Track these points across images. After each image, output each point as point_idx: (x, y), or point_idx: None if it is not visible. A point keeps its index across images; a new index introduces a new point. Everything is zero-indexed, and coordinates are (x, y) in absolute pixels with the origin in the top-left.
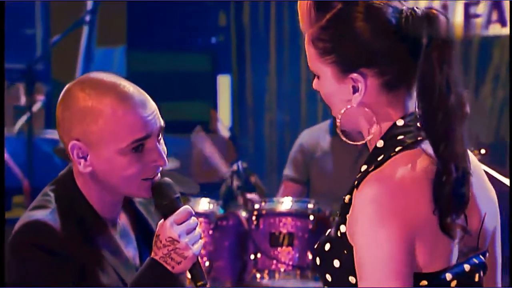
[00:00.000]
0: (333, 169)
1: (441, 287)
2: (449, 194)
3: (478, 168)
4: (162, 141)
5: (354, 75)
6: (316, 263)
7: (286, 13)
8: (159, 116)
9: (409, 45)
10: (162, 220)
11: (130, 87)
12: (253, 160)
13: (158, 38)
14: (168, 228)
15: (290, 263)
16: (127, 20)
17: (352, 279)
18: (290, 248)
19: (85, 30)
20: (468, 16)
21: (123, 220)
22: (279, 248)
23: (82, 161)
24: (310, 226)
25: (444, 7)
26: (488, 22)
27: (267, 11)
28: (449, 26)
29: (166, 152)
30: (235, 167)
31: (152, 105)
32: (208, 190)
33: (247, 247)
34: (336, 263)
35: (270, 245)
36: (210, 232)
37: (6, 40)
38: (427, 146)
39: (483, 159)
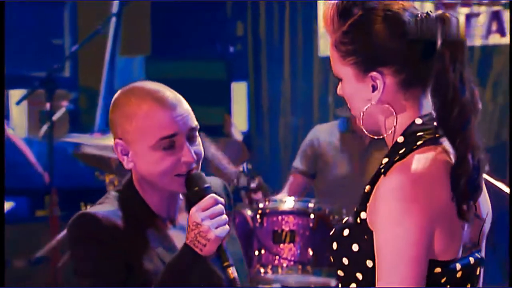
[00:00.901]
0: (338, 164)
1: (449, 275)
2: (465, 183)
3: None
4: (199, 141)
5: (373, 73)
6: (332, 248)
7: (299, 23)
8: (192, 118)
9: (424, 46)
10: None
11: (166, 92)
12: (268, 161)
13: (178, 47)
14: (193, 213)
15: (292, 258)
16: (151, 30)
17: (369, 262)
18: (291, 245)
19: (110, 39)
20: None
21: (186, 216)
22: (281, 245)
23: (125, 157)
24: (311, 224)
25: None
26: (488, 32)
27: (282, 21)
28: (460, 27)
29: (202, 153)
30: (241, 168)
31: (184, 108)
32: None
33: (252, 243)
34: (355, 247)
35: (273, 242)
36: None
37: (35, 49)
38: (444, 142)
39: None
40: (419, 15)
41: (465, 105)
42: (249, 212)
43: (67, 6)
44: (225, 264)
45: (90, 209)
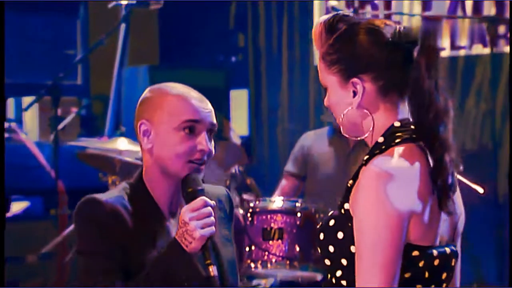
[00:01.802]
0: (326, 166)
1: (427, 261)
2: (444, 181)
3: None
4: (212, 137)
5: (354, 79)
6: (319, 238)
7: (297, 35)
8: (214, 116)
9: (401, 55)
10: None
11: (192, 91)
12: (267, 164)
13: (184, 57)
14: (183, 212)
15: (280, 254)
16: (159, 41)
17: (353, 248)
18: (280, 242)
19: (119, 50)
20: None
21: None
22: (270, 242)
23: (145, 138)
24: (298, 222)
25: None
26: (472, 42)
27: (280, 33)
28: (435, 39)
29: (213, 153)
30: (233, 170)
31: (208, 105)
32: None
33: (243, 240)
34: (340, 235)
35: (262, 238)
36: None
37: (49, 58)
38: (420, 144)
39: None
40: (398, 28)
41: (439, 110)
42: (240, 211)
43: (80, 18)
44: (207, 262)
45: (97, 195)
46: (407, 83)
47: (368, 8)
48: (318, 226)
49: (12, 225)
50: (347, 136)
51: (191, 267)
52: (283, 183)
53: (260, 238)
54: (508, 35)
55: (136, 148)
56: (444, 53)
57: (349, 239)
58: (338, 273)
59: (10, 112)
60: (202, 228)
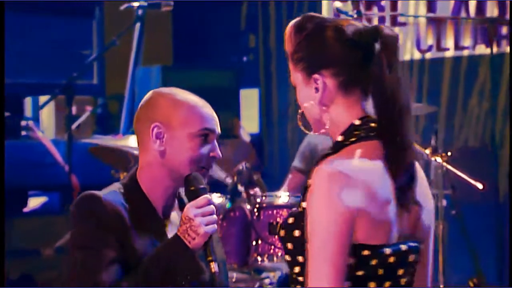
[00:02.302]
0: None
1: (380, 259)
2: (403, 175)
3: (419, 169)
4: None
5: (315, 75)
6: (280, 235)
7: None
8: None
9: (362, 53)
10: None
11: (199, 99)
12: (278, 162)
13: (196, 57)
14: (188, 209)
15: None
16: (172, 41)
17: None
18: None
19: (133, 51)
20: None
21: (176, 216)
22: (276, 236)
23: (158, 141)
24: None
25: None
26: (475, 43)
27: None
28: (395, 38)
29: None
30: (240, 167)
31: (215, 113)
32: (218, 186)
33: (250, 234)
34: (297, 233)
35: (269, 233)
36: (220, 222)
37: (65, 58)
38: (379, 139)
39: (449, 160)
40: (361, 27)
41: (401, 105)
42: (247, 206)
43: (96, 19)
44: (209, 258)
45: (95, 191)
46: (369, 80)
47: (375, 9)
48: (281, 223)
49: (29, 219)
50: (316, 133)
51: (193, 263)
52: (290, 178)
53: (266, 233)
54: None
55: None
56: (448, 53)
57: (306, 237)
58: (296, 269)
59: (28, 110)
60: (207, 225)
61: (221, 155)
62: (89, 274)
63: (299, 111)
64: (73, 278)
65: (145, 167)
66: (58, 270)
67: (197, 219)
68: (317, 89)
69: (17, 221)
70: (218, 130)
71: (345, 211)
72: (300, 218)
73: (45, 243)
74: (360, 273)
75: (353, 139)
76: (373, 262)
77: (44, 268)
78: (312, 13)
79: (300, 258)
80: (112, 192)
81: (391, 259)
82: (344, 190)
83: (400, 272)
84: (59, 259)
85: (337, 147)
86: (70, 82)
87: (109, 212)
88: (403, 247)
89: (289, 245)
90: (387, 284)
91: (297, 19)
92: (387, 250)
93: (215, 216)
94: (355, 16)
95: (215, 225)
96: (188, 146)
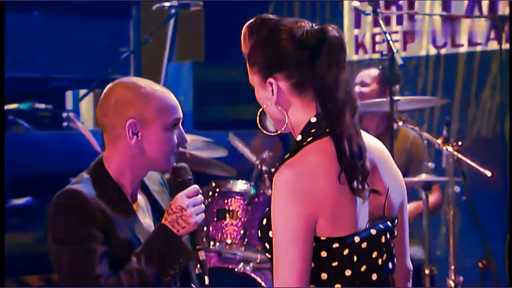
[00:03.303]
0: None
1: (352, 248)
2: (350, 165)
3: (385, 153)
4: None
5: (270, 79)
6: (258, 235)
7: None
8: None
9: (309, 53)
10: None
11: (156, 84)
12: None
13: (226, 54)
14: (179, 199)
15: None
16: (204, 39)
17: None
18: None
19: (167, 48)
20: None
21: (142, 199)
22: None
23: (134, 137)
24: None
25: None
26: (487, 39)
27: None
28: (340, 39)
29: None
30: (263, 155)
31: (176, 100)
32: (243, 174)
33: None
34: (271, 234)
35: None
36: (245, 207)
37: (106, 56)
38: (328, 136)
39: (459, 149)
40: (305, 28)
41: (339, 101)
42: (270, 192)
43: (133, 18)
44: (198, 247)
45: (70, 186)
46: (317, 78)
47: (393, 8)
48: (258, 223)
49: None
50: (280, 132)
51: (183, 248)
52: None
53: None
54: None
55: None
56: (462, 49)
57: None
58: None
59: (69, 103)
60: (197, 214)
61: (187, 139)
62: (83, 270)
63: (259, 110)
64: (67, 275)
65: (115, 157)
66: None
67: (190, 209)
68: (272, 92)
69: None
70: (181, 114)
71: (303, 212)
72: (271, 219)
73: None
74: (335, 263)
75: (309, 138)
76: (345, 252)
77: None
78: (266, 15)
79: None
80: (86, 185)
81: (363, 245)
82: (301, 191)
83: (374, 254)
84: None
85: (295, 148)
86: (106, 76)
87: (91, 206)
88: (373, 231)
89: (267, 245)
90: (363, 268)
91: (251, 20)
92: (357, 238)
93: (203, 205)
94: (372, 15)
95: (203, 214)
96: (164, 138)
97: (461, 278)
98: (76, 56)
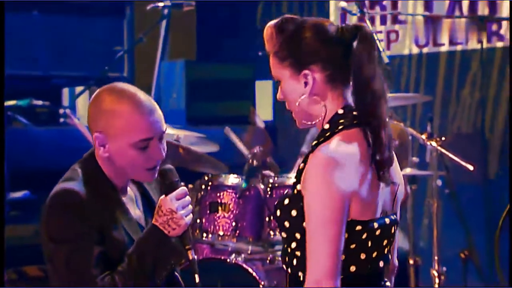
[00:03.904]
0: None
1: (369, 233)
2: (382, 154)
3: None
4: (163, 140)
5: (305, 71)
6: (277, 214)
7: None
8: (163, 123)
9: (344, 48)
10: (164, 196)
11: (143, 97)
12: (290, 148)
13: (217, 53)
14: (169, 201)
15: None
16: (196, 37)
17: (305, 224)
18: None
19: (160, 46)
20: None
21: (131, 190)
22: None
23: (102, 148)
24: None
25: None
26: (467, 39)
27: None
28: (371, 35)
29: (165, 149)
30: (255, 150)
31: (159, 113)
32: (235, 168)
33: (263, 211)
34: (294, 213)
35: None
36: (236, 200)
37: (101, 54)
38: (360, 126)
39: (443, 144)
40: (340, 26)
41: (376, 92)
42: (261, 186)
43: (126, 18)
44: (187, 247)
45: (65, 184)
46: (349, 72)
47: (377, 8)
48: (275, 204)
49: None
50: (299, 127)
51: (174, 249)
52: (299, 161)
53: None
54: (500, 31)
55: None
56: (443, 48)
57: (301, 216)
58: (293, 244)
59: (65, 100)
60: (186, 216)
61: (163, 155)
62: (79, 269)
63: (294, 108)
64: (63, 273)
65: (100, 156)
66: None
67: (180, 211)
68: (306, 83)
69: None
70: (160, 130)
71: (341, 194)
72: (295, 199)
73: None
74: (353, 246)
75: (340, 127)
76: (364, 236)
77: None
78: (291, 15)
79: (298, 235)
80: (78, 181)
81: (378, 232)
82: (339, 174)
83: (384, 242)
84: None
85: (325, 135)
86: (103, 74)
87: (85, 205)
88: (387, 220)
89: (286, 224)
90: (374, 254)
91: (276, 20)
92: (375, 224)
93: (191, 206)
94: (359, 14)
95: (192, 215)
96: (129, 155)
97: (444, 268)
98: (72, 54)
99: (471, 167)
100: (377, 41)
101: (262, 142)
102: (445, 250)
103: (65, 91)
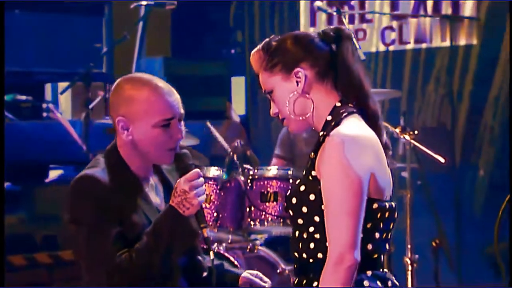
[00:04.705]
0: (310, 149)
1: (382, 212)
2: (383, 137)
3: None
4: (182, 123)
5: (296, 69)
6: (292, 202)
7: (286, 31)
8: (181, 106)
9: (328, 49)
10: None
11: (160, 82)
12: (262, 141)
13: (192, 50)
14: (182, 183)
15: (275, 214)
16: (171, 35)
17: (323, 206)
18: (275, 203)
19: (137, 44)
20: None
21: (153, 179)
22: (267, 203)
23: (125, 132)
24: (290, 187)
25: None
26: (432, 37)
27: (272, 30)
28: (350, 34)
29: (185, 131)
30: (235, 143)
31: (176, 96)
32: (216, 161)
33: (244, 202)
34: (312, 197)
35: (260, 201)
36: (218, 191)
37: (81, 51)
38: (358, 115)
39: (416, 138)
40: (321, 31)
41: (363, 85)
42: (242, 178)
43: (105, 16)
44: (202, 225)
45: (87, 171)
46: (337, 67)
47: (346, 8)
48: (287, 194)
49: (50, 188)
50: (294, 132)
51: (188, 229)
52: (273, 163)
53: (258, 201)
54: (462, 30)
55: None
56: (409, 46)
57: (319, 199)
58: (311, 229)
59: (48, 95)
60: (199, 196)
61: (183, 136)
62: (98, 249)
63: (286, 113)
64: (84, 253)
65: (121, 146)
66: None
67: (192, 191)
68: (297, 82)
69: (39, 190)
70: (179, 112)
71: (359, 173)
72: (312, 184)
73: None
74: (369, 225)
75: (344, 114)
76: (378, 215)
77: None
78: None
79: (317, 218)
80: (102, 169)
81: (387, 214)
82: (360, 152)
83: (391, 225)
84: None
85: (330, 124)
86: (88, 71)
87: (106, 190)
88: (393, 204)
89: (304, 209)
90: (384, 235)
91: (258, 46)
92: (387, 204)
93: (204, 187)
94: (335, 14)
95: (205, 195)
96: (152, 135)
97: (417, 256)
98: (54, 52)
99: (442, 160)
100: (353, 38)
101: (237, 135)
102: (417, 239)
103: (48, 87)
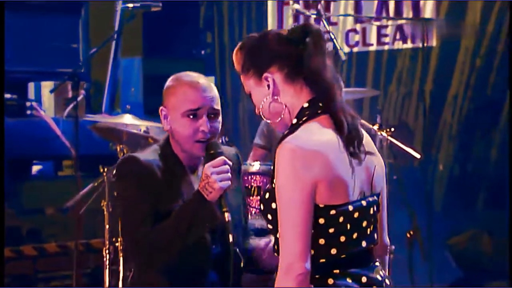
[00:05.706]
0: None
1: (346, 215)
2: (347, 132)
3: (365, 134)
4: (219, 120)
5: (265, 74)
6: (260, 208)
7: (254, 31)
8: (217, 101)
9: (296, 46)
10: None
11: (200, 79)
12: (232, 135)
13: (165, 51)
14: (206, 168)
15: (258, 207)
16: (142, 37)
17: None
18: (258, 197)
19: (113, 45)
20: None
21: (201, 171)
22: (250, 197)
23: (165, 121)
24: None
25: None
26: (394, 39)
27: (240, 31)
28: (320, 30)
29: (219, 129)
30: (220, 139)
31: (212, 92)
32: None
33: None
34: (274, 205)
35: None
36: None
37: (58, 51)
38: (325, 114)
39: (392, 135)
40: (290, 28)
41: (329, 81)
42: None
43: (82, 17)
44: (224, 209)
45: (135, 153)
46: (304, 67)
47: (312, 10)
48: (259, 198)
49: (31, 183)
50: (278, 131)
51: (210, 212)
52: (253, 153)
53: None
54: (421, 33)
55: (138, 122)
56: (372, 48)
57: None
58: (278, 234)
59: (31, 93)
60: (221, 181)
61: (208, 128)
62: (131, 221)
63: (262, 111)
64: (122, 223)
65: (171, 138)
66: (59, 226)
67: (214, 176)
68: (268, 86)
69: (23, 186)
70: (210, 105)
71: (306, 181)
72: (273, 193)
73: (47, 204)
74: (331, 230)
75: (304, 118)
76: (341, 219)
77: (49, 224)
78: (250, 34)
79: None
80: (150, 154)
81: (356, 214)
82: (303, 162)
83: (364, 224)
84: (60, 217)
85: (292, 128)
86: (75, 71)
87: (146, 172)
88: (364, 202)
89: (269, 216)
90: (355, 235)
91: (238, 45)
92: (350, 207)
93: (229, 174)
94: (314, 16)
95: (229, 181)
96: (180, 124)
97: (393, 247)
98: (33, 52)
99: (418, 155)
100: (334, 39)
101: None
102: (393, 231)
103: (31, 85)
